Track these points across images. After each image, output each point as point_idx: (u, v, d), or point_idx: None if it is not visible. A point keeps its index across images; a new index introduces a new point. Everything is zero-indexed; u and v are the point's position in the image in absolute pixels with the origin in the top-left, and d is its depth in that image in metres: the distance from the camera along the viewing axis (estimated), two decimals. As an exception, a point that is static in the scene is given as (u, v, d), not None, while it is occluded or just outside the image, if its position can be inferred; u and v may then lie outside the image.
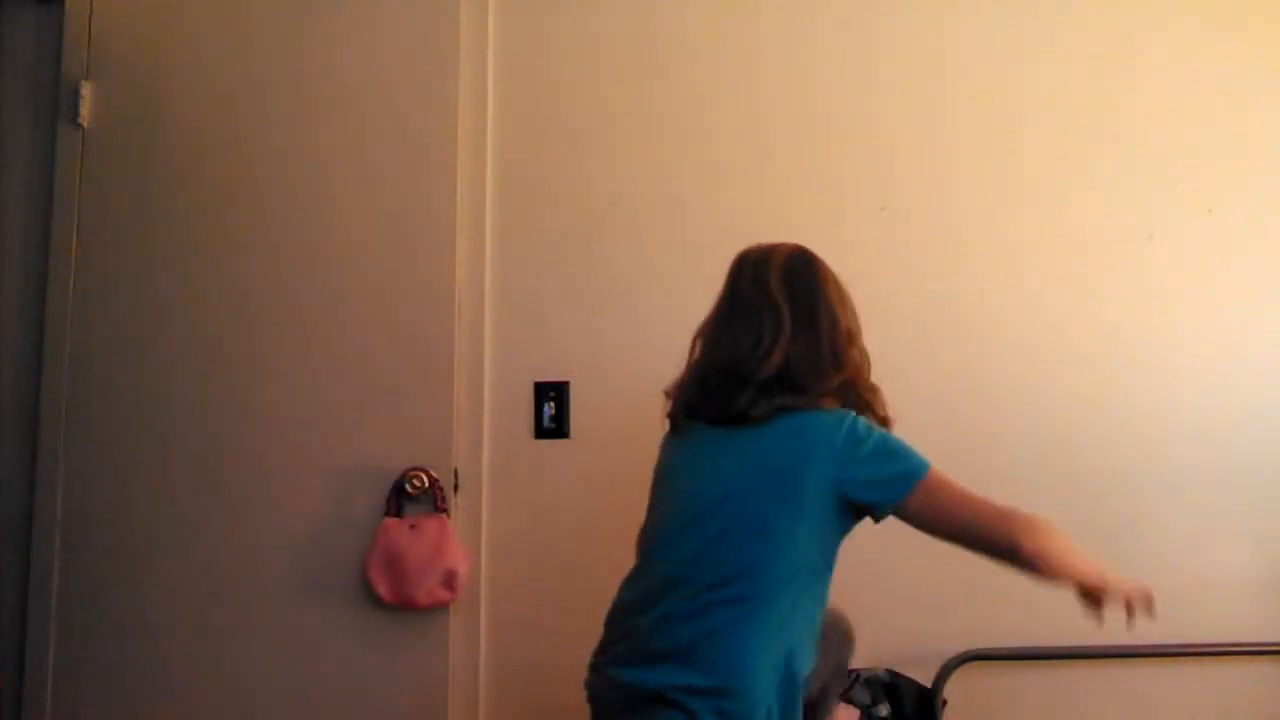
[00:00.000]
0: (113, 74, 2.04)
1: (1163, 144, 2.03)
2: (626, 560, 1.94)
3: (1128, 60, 2.06)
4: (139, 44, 2.06)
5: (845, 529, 1.33)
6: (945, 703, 1.78)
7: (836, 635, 1.51)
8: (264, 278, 1.98)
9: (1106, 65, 2.06)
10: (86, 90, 2.03)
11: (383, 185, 1.98)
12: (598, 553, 1.92)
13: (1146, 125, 2.04)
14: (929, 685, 1.80)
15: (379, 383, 1.93)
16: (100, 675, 1.90)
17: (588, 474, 1.95)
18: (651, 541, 1.40)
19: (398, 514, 1.87)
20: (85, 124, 2.02)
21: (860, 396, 1.36)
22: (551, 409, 1.97)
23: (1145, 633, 1.88)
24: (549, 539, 1.93)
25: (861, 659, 1.71)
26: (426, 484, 1.87)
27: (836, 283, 1.41)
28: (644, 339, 1.97)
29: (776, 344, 1.32)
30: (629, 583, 1.40)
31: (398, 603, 1.84)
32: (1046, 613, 1.89)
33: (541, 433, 1.96)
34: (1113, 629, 1.92)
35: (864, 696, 1.77)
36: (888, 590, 1.87)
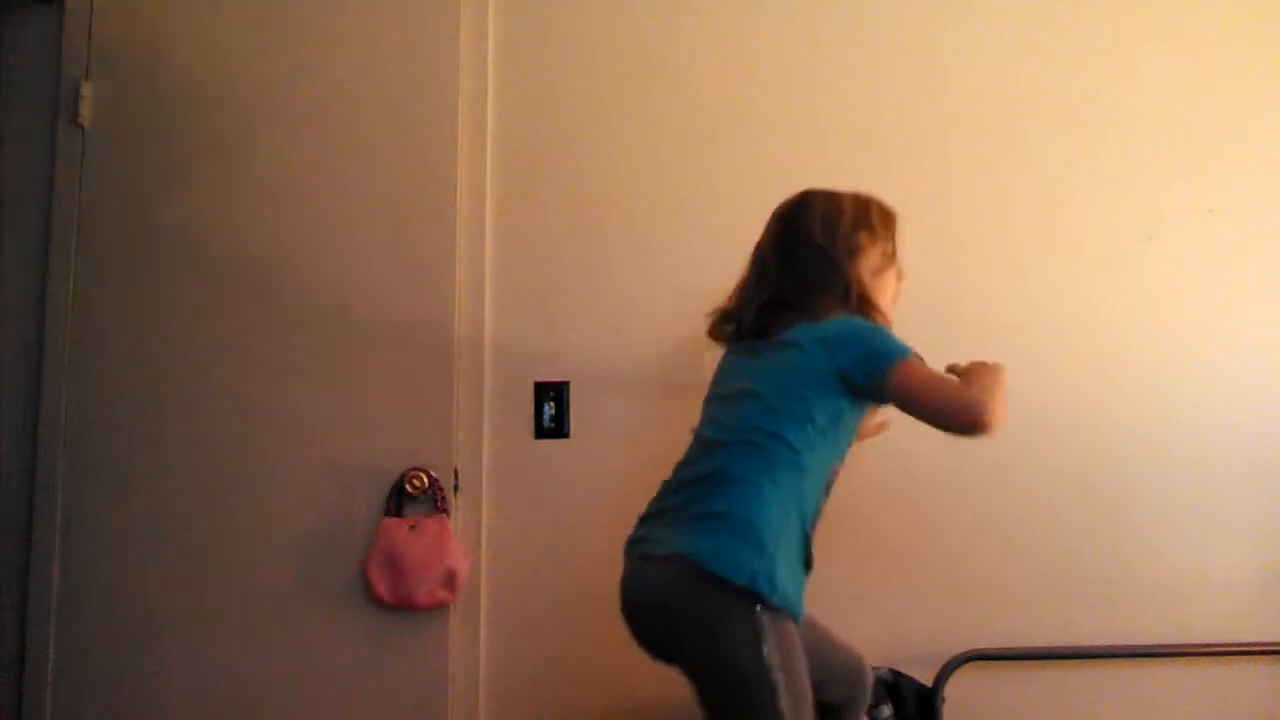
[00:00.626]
0: (113, 74, 2.05)
1: (1163, 144, 2.03)
2: (626, 560, 1.93)
3: (1128, 60, 2.06)
4: (139, 44, 2.06)
5: (850, 406, 1.47)
6: (944, 700, 1.79)
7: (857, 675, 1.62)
8: (264, 277, 1.98)
9: (1106, 65, 2.06)
10: (86, 90, 2.03)
11: (383, 185, 1.98)
12: (598, 553, 1.92)
13: (1146, 125, 2.04)
14: (929, 685, 1.80)
15: (379, 383, 1.93)
16: (100, 675, 1.90)
17: (588, 474, 1.95)
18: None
19: (398, 514, 1.87)
20: (85, 124, 2.03)
21: (864, 312, 1.52)
22: (551, 409, 1.97)
23: (1145, 633, 1.89)
24: (549, 539, 1.93)
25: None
26: (426, 484, 1.87)
27: (827, 211, 1.55)
28: (644, 339, 1.97)
29: (779, 278, 1.54)
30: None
31: (398, 603, 1.84)
32: (1046, 613, 1.90)
33: (541, 433, 1.96)
34: (1112, 629, 1.93)
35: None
36: (888, 590, 1.88)
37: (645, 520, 1.51)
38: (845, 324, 1.47)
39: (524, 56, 2.07)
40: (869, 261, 1.54)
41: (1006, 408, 1.35)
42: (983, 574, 1.91)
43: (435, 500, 1.88)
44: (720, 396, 1.56)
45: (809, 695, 1.36)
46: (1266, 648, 1.89)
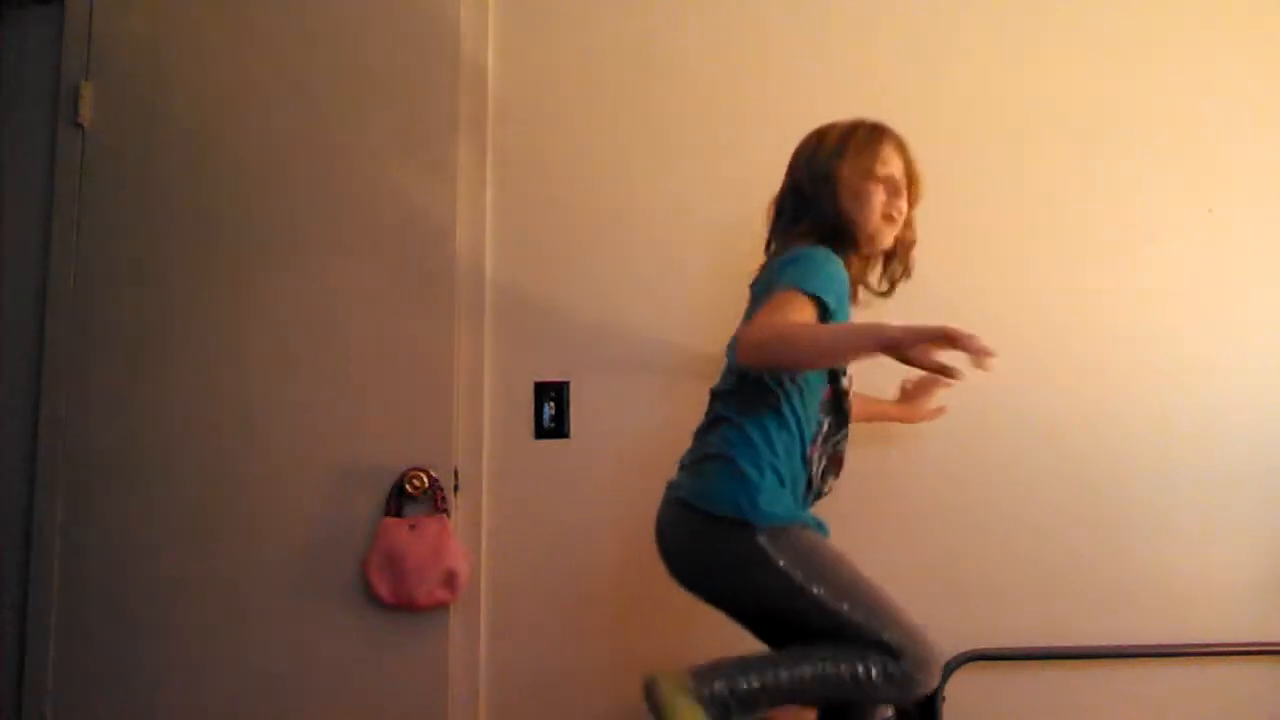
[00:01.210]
0: (113, 74, 2.05)
1: (1163, 144, 2.03)
2: (626, 560, 1.94)
3: (1128, 61, 2.06)
4: (139, 44, 2.07)
5: None
6: (944, 700, 1.78)
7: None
8: (264, 278, 1.98)
9: (1107, 65, 2.05)
10: (86, 90, 2.03)
11: (382, 185, 1.98)
12: (598, 553, 1.93)
13: (1146, 125, 2.04)
14: (929, 685, 1.80)
15: (379, 382, 1.93)
16: (100, 675, 1.90)
17: (588, 474, 1.95)
18: None
19: (398, 514, 1.87)
20: (85, 124, 2.03)
21: (840, 238, 1.54)
22: (551, 409, 1.97)
23: (1145, 633, 1.89)
24: (549, 539, 1.93)
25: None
26: (426, 484, 1.87)
27: (809, 144, 1.60)
28: (644, 339, 1.97)
29: (775, 219, 1.62)
30: None
31: (398, 603, 1.84)
32: (1046, 613, 1.90)
33: (541, 433, 1.96)
34: (1113, 629, 1.93)
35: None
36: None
37: (679, 468, 1.57)
38: (792, 253, 1.49)
39: (524, 57, 2.07)
40: (847, 186, 1.54)
41: (828, 356, 1.42)
42: (983, 574, 1.91)
43: (435, 500, 1.88)
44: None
45: (856, 576, 1.41)
46: (1266, 648, 1.89)
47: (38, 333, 1.99)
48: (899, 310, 1.95)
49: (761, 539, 1.40)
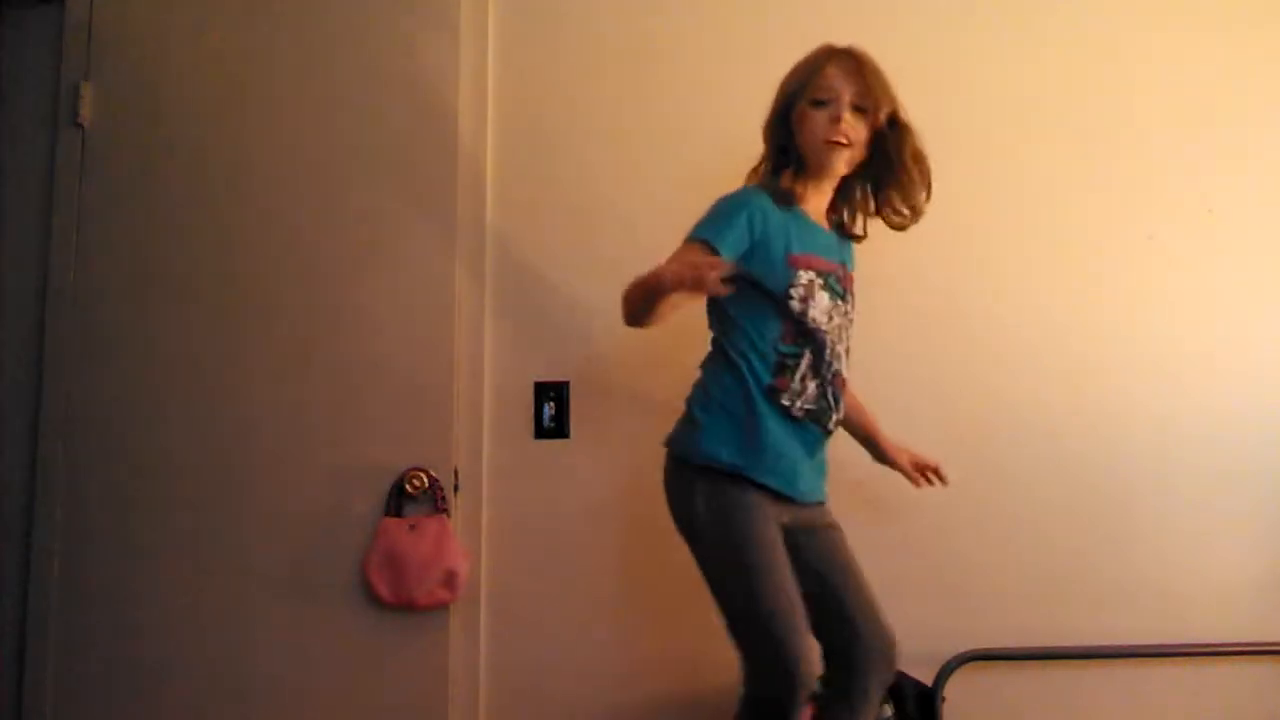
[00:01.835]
0: (113, 74, 2.05)
1: (1163, 144, 2.03)
2: (626, 559, 1.95)
3: (1128, 61, 2.06)
4: (139, 44, 2.06)
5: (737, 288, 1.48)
6: (944, 700, 1.79)
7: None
8: (264, 278, 1.98)
9: (1107, 66, 2.05)
10: (86, 90, 2.03)
11: (383, 185, 1.98)
12: (597, 553, 1.93)
13: (1146, 126, 2.04)
14: (929, 685, 1.80)
15: (379, 383, 1.92)
16: (100, 675, 1.90)
17: (588, 474, 1.94)
18: None
19: (398, 514, 1.87)
20: (85, 124, 2.03)
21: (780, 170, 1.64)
22: (551, 409, 1.97)
23: (1145, 633, 1.89)
24: (549, 539, 1.93)
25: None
26: (426, 484, 1.87)
27: (787, 82, 1.62)
28: (644, 339, 1.96)
29: None
30: None
31: (398, 603, 1.84)
32: (1046, 613, 1.90)
33: (541, 433, 1.96)
34: (1112, 629, 1.93)
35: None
36: (888, 590, 1.86)
37: None
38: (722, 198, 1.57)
39: (524, 57, 2.07)
40: (799, 116, 1.58)
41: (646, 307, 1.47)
42: (983, 574, 1.91)
43: (435, 500, 1.88)
44: None
45: (766, 560, 1.43)
46: (1266, 648, 1.89)
47: (38, 332, 1.99)
48: (899, 310, 1.96)
49: (693, 475, 1.50)
